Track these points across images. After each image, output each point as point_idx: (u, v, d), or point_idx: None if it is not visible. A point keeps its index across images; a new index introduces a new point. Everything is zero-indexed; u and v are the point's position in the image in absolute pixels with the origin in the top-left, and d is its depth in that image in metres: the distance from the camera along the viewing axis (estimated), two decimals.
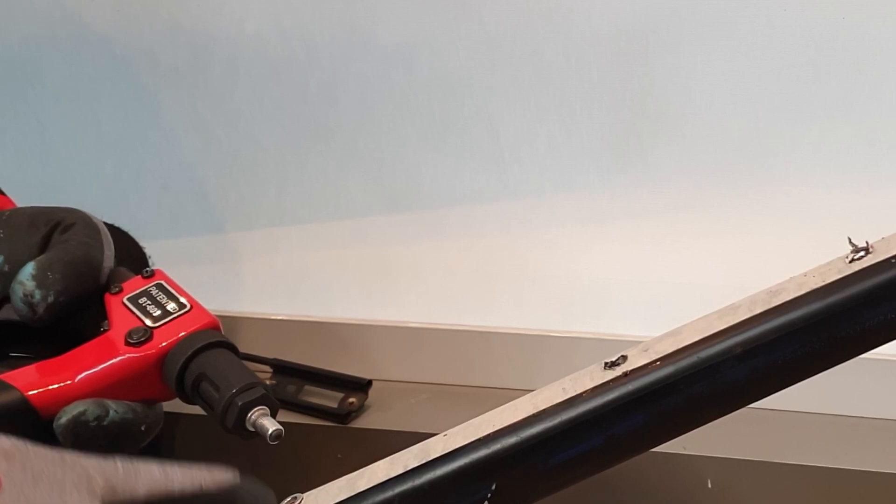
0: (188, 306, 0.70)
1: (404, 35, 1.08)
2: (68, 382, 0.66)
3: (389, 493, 0.57)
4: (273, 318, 1.16)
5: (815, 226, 1.03)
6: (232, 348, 0.69)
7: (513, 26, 1.06)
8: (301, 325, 1.15)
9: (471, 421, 0.58)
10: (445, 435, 0.58)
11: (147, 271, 0.72)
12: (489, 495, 0.56)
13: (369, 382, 1.10)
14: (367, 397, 1.10)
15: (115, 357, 0.67)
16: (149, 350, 0.68)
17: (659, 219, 1.09)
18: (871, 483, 0.98)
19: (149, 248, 0.86)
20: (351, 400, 1.09)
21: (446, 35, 1.07)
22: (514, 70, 1.07)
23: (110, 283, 0.72)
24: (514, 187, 1.11)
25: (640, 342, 0.57)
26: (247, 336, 1.15)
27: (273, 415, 0.67)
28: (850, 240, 0.54)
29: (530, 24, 1.06)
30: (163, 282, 0.71)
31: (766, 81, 1.02)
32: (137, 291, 0.70)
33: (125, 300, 0.70)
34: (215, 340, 0.69)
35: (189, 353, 0.67)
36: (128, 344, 0.67)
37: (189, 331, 0.68)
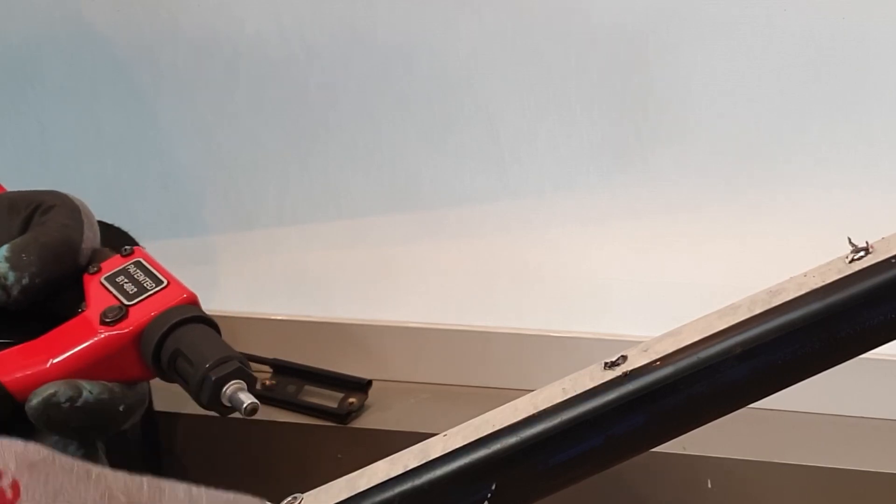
0: (165, 282, 0.68)
1: (404, 35, 1.08)
2: (44, 366, 0.64)
3: (389, 494, 0.57)
4: (273, 318, 1.16)
5: (815, 226, 1.03)
6: (210, 323, 0.68)
7: (513, 26, 1.06)
8: (301, 325, 1.15)
9: (471, 421, 0.58)
10: (445, 435, 0.58)
11: (126, 249, 0.70)
12: (489, 495, 0.56)
13: (369, 382, 1.10)
14: (367, 397, 1.10)
15: (91, 337, 0.65)
16: (124, 328, 0.66)
17: (659, 219, 1.09)
18: (871, 483, 0.98)
19: (149, 248, 0.85)
20: (351, 400, 1.09)
21: (446, 35, 1.07)
22: (514, 70, 1.07)
23: (90, 264, 0.70)
24: (514, 187, 1.11)
25: (640, 342, 0.57)
26: (247, 336, 1.15)
27: (250, 389, 0.66)
28: (850, 240, 0.54)
29: (530, 24, 1.06)
30: (141, 259, 0.70)
31: (766, 81, 1.02)
32: (115, 270, 0.69)
33: (102, 280, 0.68)
34: (191, 316, 0.67)
35: (164, 329, 0.66)
36: (103, 323, 0.66)
37: (165, 307, 0.67)
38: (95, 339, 0.65)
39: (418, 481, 0.57)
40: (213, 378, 0.64)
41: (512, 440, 0.56)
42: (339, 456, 1.07)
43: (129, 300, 0.67)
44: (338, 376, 1.11)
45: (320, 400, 1.10)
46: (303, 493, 0.61)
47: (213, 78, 1.14)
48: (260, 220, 1.18)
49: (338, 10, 1.09)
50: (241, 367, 0.65)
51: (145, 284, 0.68)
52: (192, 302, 0.68)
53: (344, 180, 1.14)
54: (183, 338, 0.66)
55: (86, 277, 0.68)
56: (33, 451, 0.50)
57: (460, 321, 1.12)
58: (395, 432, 1.06)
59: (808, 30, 0.99)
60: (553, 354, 1.08)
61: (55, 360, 0.64)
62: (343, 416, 1.08)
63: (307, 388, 1.11)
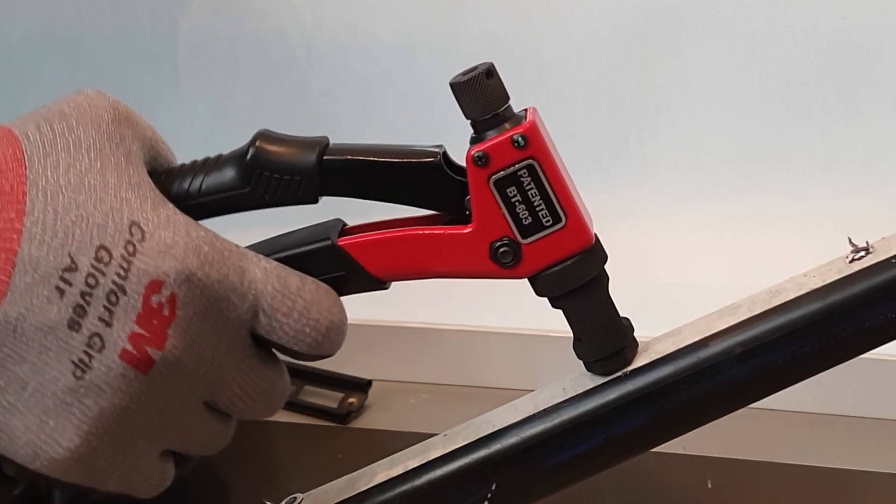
0: (563, 219, 0.54)
1: (404, 35, 1.08)
2: (417, 272, 0.56)
3: (389, 494, 0.57)
4: None
5: (815, 226, 1.03)
6: (603, 282, 0.56)
7: (513, 26, 1.06)
8: None
9: (471, 421, 0.58)
10: (445, 435, 0.58)
11: (517, 140, 0.53)
12: (489, 495, 0.56)
13: (369, 382, 1.10)
14: (366, 397, 1.10)
15: (477, 271, 0.55)
16: (513, 275, 0.55)
17: (659, 219, 1.09)
18: (871, 483, 0.98)
19: None
20: (351, 400, 1.09)
21: (446, 35, 1.07)
22: (514, 70, 1.07)
23: (473, 142, 0.53)
24: None
25: (641, 342, 0.57)
26: None
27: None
28: (850, 240, 0.54)
29: (530, 24, 1.06)
30: (535, 163, 0.53)
31: (766, 81, 1.02)
32: (506, 173, 0.53)
33: (492, 184, 0.53)
34: (590, 279, 0.55)
35: (556, 294, 0.56)
36: (494, 260, 0.54)
37: (560, 256, 0.54)
38: (480, 274, 0.56)
39: (418, 481, 0.57)
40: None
41: (512, 440, 0.56)
42: (339, 456, 1.07)
43: (523, 235, 0.54)
44: (338, 376, 1.10)
45: (320, 400, 1.09)
46: (303, 492, 0.62)
47: (213, 78, 1.14)
48: (259, 220, 1.18)
49: (338, 10, 1.09)
50: (625, 355, 0.56)
51: (540, 213, 0.54)
52: (590, 249, 0.55)
53: None
54: (573, 309, 0.57)
55: (470, 164, 0.54)
56: (193, 253, 0.50)
57: (460, 321, 1.12)
58: (395, 432, 1.06)
59: (808, 30, 0.99)
60: (553, 354, 1.08)
61: (431, 270, 0.56)
62: (343, 416, 1.08)
63: (307, 388, 1.10)
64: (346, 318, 0.56)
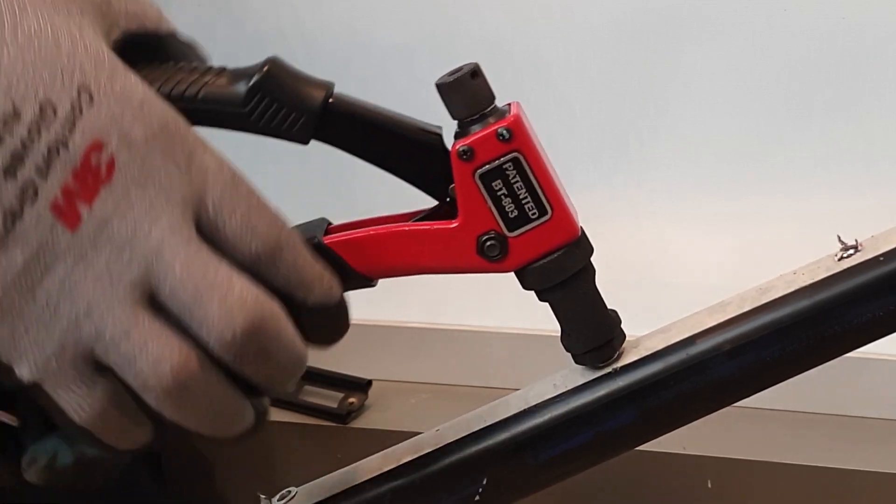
0: (549, 211, 0.54)
1: (404, 35, 1.08)
2: (405, 266, 0.56)
3: (382, 489, 0.57)
4: None
5: (815, 225, 1.03)
6: (590, 272, 0.56)
7: (513, 26, 1.06)
8: None
9: (463, 416, 0.59)
10: (438, 430, 0.58)
11: (502, 134, 0.53)
12: (480, 490, 0.56)
13: (369, 382, 1.10)
14: (367, 397, 1.10)
15: (463, 265, 0.55)
16: (501, 269, 0.55)
17: (658, 218, 1.09)
18: (871, 483, 0.98)
19: None
20: (351, 400, 1.09)
21: (446, 35, 1.07)
22: (515, 70, 1.07)
23: (458, 136, 0.54)
24: None
25: (630, 339, 0.57)
26: None
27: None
28: (839, 237, 0.54)
29: (530, 24, 1.06)
30: (520, 156, 0.53)
31: (766, 81, 1.02)
32: (491, 167, 0.53)
33: (477, 178, 0.54)
34: (576, 272, 0.55)
35: (543, 287, 0.55)
36: (481, 254, 0.54)
37: (547, 248, 0.54)
38: (467, 268, 0.55)
39: (410, 476, 0.57)
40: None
41: (503, 435, 0.56)
42: (339, 456, 1.07)
43: (509, 228, 0.54)
44: (338, 376, 1.11)
45: (320, 400, 1.10)
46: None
47: None
48: None
49: (338, 10, 1.09)
50: (613, 346, 0.56)
51: (526, 206, 0.54)
52: (576, 241, 0.55)
53: (344, 180, 1.14)
54: (560, 302, 0.57)
55: (455, 158, 0.54)
56: (141, 125, 0.48)
57: (460, 321, 1.12)
58: (395, 432, 1.06)
59: (808, 30, 1.00)
60: (552, 354, 1.08)
61: (418, 266, 0.56)
62: (343, 416, 1.08)
63: (307, 387, 1.11)
64: (293, 239, 0.52)
